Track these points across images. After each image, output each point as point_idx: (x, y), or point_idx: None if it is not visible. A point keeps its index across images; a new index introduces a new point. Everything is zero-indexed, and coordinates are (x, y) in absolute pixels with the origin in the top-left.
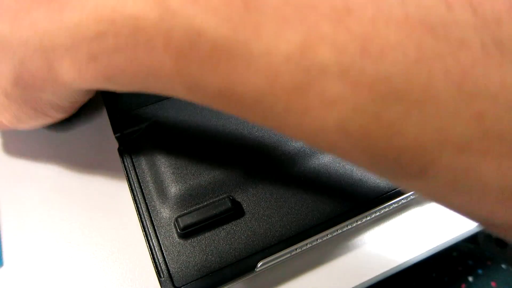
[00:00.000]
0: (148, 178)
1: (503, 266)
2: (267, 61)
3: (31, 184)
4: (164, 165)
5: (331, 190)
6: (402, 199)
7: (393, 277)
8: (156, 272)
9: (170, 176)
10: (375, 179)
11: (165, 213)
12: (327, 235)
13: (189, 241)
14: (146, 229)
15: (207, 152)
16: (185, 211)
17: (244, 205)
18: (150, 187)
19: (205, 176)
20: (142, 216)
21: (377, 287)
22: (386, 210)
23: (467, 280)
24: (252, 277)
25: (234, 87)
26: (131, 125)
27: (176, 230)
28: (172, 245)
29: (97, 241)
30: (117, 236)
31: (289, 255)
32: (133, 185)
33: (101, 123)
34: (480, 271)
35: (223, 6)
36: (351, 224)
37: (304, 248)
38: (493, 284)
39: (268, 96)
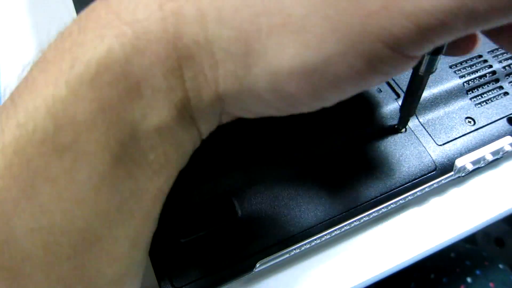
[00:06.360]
0: None
1: (501, 266)
2: None
3: None
4: None
5: (330, 190)
6: (400, 199)
7: (392, 278)
8: (155, 272)
9: None
10: (373, 179)
11: (165, 213)
12: (326, 235)
13: (188, 241)
14: None
15: (207, 153)
16: (185, 212)
17: (244, 206)
18: None
19: (205, 176)
20: None
21: None
22: (384, 210)
23: (466, 281)
24: (251, 277)
25: None
26: None
27: (176, 230)
28: (172, 246)
29: None
30: None
31: (287, 255)
32: None
33: None
34: (478, 272)
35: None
36: (349, 224)
37: (303, 248)
38: (491, 285)
39: None
